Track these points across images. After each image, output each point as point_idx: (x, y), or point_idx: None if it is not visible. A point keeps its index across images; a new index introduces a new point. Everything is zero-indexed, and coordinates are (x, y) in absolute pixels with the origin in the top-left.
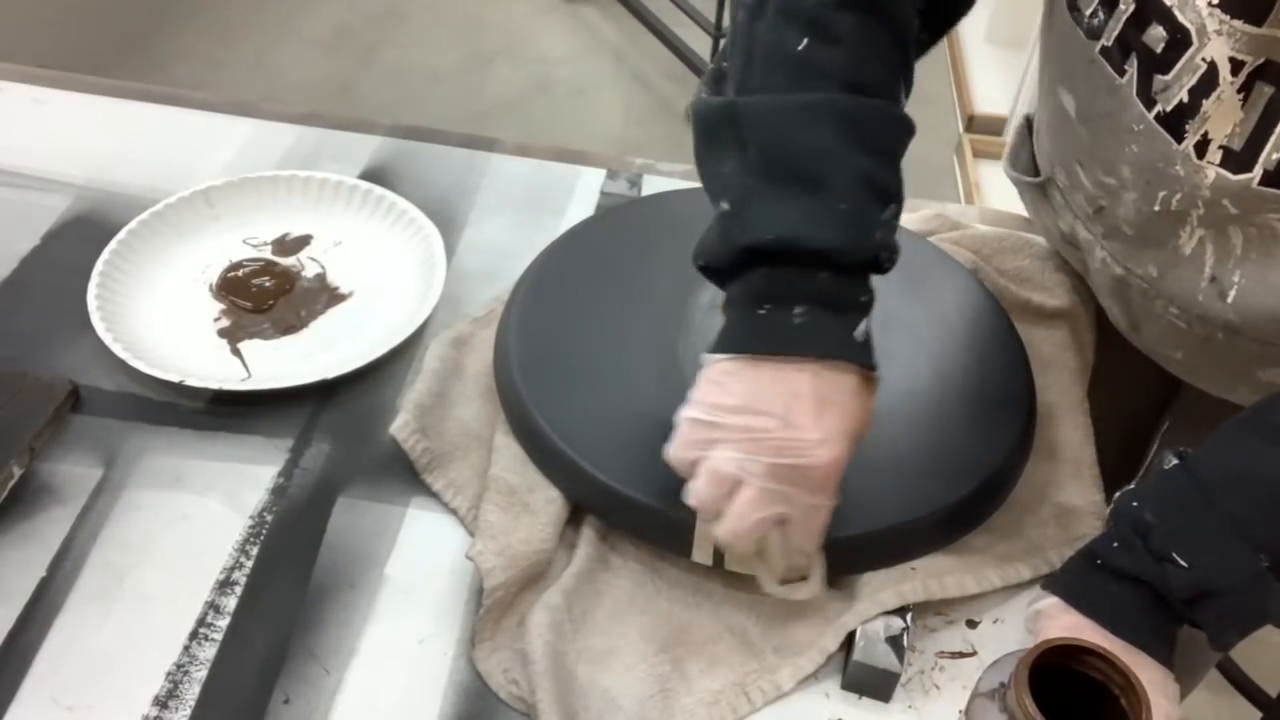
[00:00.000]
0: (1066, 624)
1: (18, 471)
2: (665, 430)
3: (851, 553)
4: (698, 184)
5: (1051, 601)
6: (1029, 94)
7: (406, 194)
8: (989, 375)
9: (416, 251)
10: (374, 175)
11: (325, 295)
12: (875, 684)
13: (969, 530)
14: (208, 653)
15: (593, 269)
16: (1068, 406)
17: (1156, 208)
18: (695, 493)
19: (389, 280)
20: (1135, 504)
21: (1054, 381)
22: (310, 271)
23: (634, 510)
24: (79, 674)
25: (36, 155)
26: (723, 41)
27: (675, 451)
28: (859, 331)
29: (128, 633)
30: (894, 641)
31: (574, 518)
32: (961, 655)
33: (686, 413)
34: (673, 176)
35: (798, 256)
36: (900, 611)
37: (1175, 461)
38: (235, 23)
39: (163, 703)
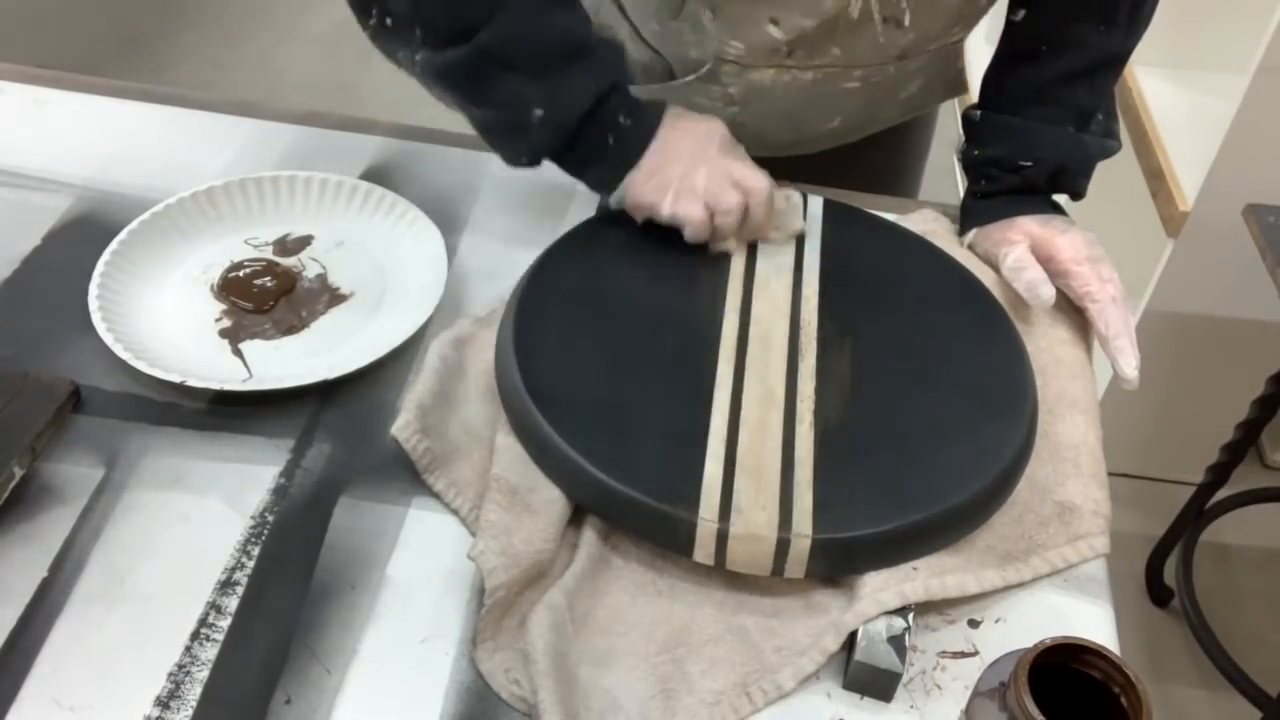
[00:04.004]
0: (993, 234)
1: (19, 472)
2: (666, 431)
3: (852, 553)
4: None
5: (974, 232)
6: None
7: (407, 194)
8: (989, 375)
9: (417, 252)
10: (374, 175)
11: (326, 295)
12: (877, 684)
13: (970, 530)
14: (209, 653)
15: (594, 269)
16: (1068, 404)
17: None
18: (709, 204)
19: (390, 280)
20: (976, 152)
21: (1054, 379)
22: (311, 272)
23: (635, 510)
24: (80, 674)
25: (37, 155)
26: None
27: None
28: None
29: (129, 633)
30: (895, 641)
31: (575, 518)
32: (963, 655)
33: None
34: None
35: (611, 94)
36: (902, 611)
37: (978, 112)
38: (236, 22)
39: (164, 703)
